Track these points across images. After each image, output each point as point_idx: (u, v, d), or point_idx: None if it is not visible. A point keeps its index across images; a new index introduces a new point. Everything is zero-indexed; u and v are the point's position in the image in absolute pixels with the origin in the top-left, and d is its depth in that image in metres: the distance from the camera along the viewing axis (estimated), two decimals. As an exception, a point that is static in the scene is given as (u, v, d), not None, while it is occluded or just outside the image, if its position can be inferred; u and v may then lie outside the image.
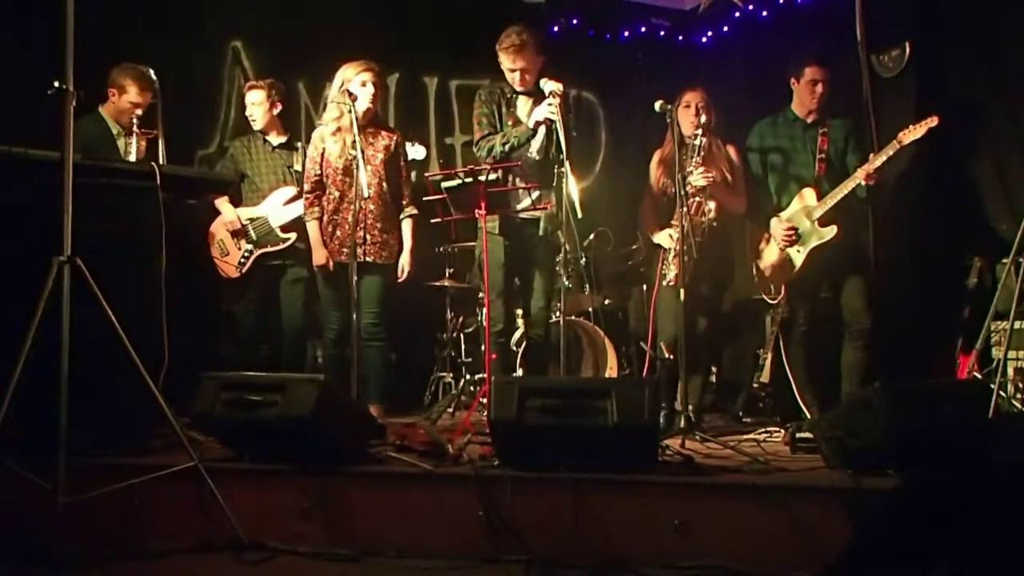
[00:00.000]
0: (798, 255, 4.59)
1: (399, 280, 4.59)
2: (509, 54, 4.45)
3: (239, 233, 4.92)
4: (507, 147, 4.39)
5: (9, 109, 4.33)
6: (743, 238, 5.23)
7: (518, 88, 4.52)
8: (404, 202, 4.68)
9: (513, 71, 4.47)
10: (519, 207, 4.44)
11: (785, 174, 4.69)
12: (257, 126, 5.07)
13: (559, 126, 4.20)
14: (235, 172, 4.95)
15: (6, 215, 3.49)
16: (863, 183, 4.40)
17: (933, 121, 4.26)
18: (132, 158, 4.59)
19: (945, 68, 5.31)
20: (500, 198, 4.37)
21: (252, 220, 4.95)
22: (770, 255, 4.70)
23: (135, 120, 4.57)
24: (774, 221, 4.63)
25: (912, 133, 4.29)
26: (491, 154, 4.42)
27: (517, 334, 5.43)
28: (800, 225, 4.57)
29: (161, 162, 4.51)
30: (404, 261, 4.60)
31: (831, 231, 4.50)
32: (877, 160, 4.36)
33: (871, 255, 4.72)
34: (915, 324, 5.07)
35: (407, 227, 4.66)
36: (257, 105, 5.04)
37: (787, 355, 4.93)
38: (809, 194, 4.56)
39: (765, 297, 4.89)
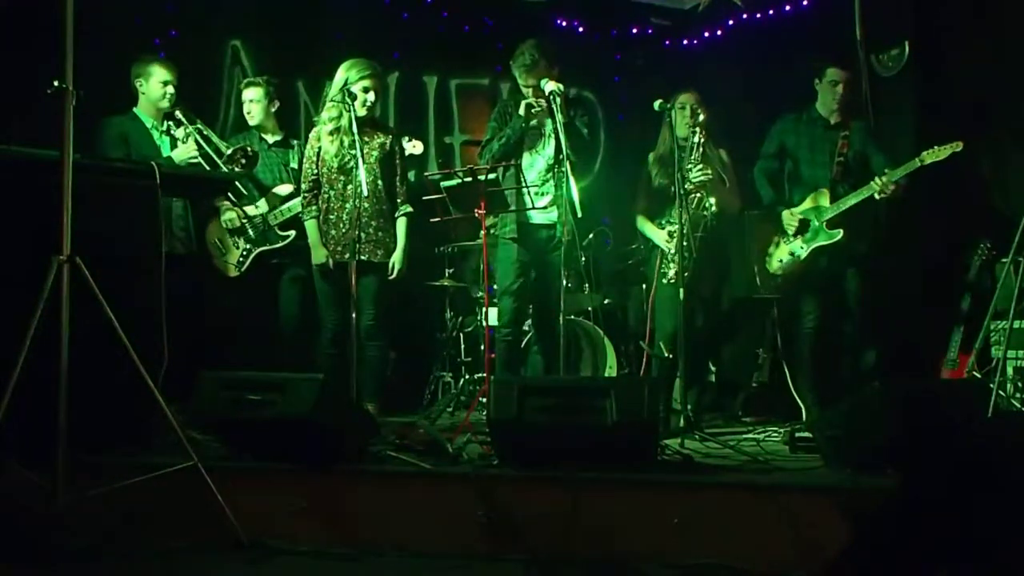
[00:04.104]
0: (801, 250, 4.63)
1: (390, 277, 4.60)
2: (522, 72, 4.50)
3: (237, 231, 4.92)
4: (503, 141, 4.45)
5: (15, 108, 4.33)
6: (741, 238, 5.25)
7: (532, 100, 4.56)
8: (399, 200, 4.69)
9: (527, 87, 4.53)
10: (524, 207, 4.47)
11: (800, 173, 4.74)
12: (254, 122, 5.07)
13: (560, 125, 4.22)
14: (246, 150, 4.90)
15: (6, 215, 3.49)
16: (876, 196, 4.43)
17: (958, 146, 4.25)
18: (179, 151, 4.66)
19: (945, 67, 5.31)
20: (499, 198, 4.39)
21: (250, 218, 4.95)
22: (779, 254, 4.72)
23: (171, 99, 4.69)
24: (785, 213, 4.69)
25: (934, 155, 4.30)
26: (491, 154, 4.47)
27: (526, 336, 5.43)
28: (810, 224, 4.63)
29: (217, 143, 4.68)
30: (396, 259, 4.60)
31: (837, 234, 4.55)
32: (893, 176, 4.38)
33: (872, 253, 4.72)
34: (915, 324, 5.08)
35: (401, 225, 4.67)
36: (256, 102, 5.05)
37: (789, 353, 4.94)
38: (823, 196, 4.61)
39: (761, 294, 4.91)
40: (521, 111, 4.39)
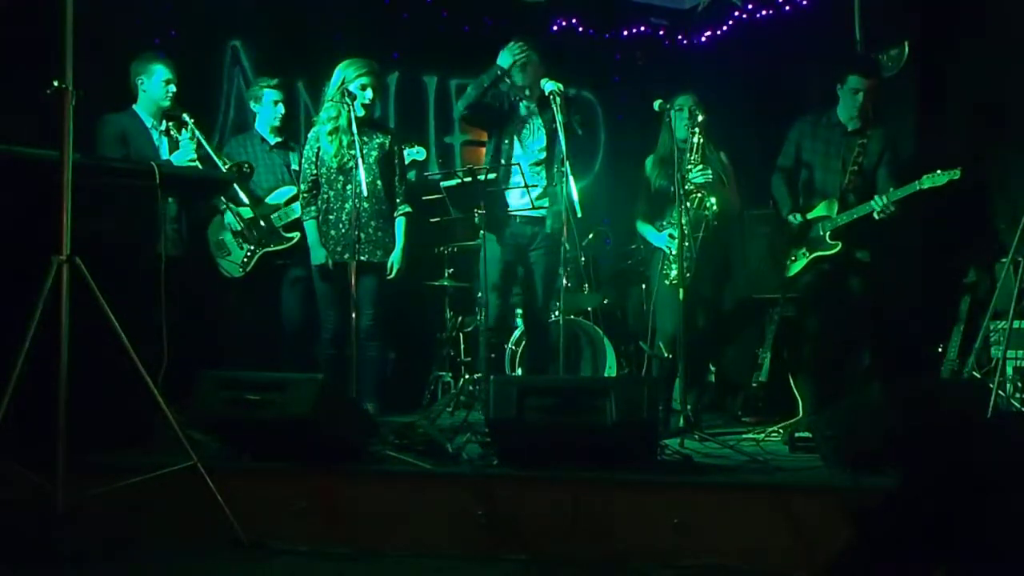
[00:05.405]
0: (804, 258, 4.66)
1: (388, 277, 4.60)
2: (517, 71, 4.54)
3: (240, 233, 4.91)
4: (476, 88, 4.49)
5: (15, 108, 4.33)
6: (742, 238, 5.25)
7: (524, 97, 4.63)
8: (398, 200, 4.69)
9: (523, 87, 4.58)
10: (515, 206, 4.48)
11: (812, 178, 4.74)
12: (277, 123, 5.06)
13: (560, 125, 4.24)
14: (242, 167, 4.90)
15: (6, 215, 3.49)
16: (876, 216, 4.45)
17: (955, 174, 4.29)
18: (179, 153, 4.63)
19: (945, 67, 5.32)
20: (498, 197, 4.39)
21: (254, 220, 4.93)
22: (793, 261, 4.75)
23: (172, 98, 4.66)
24: (793, 215, 4.69)
25: (933, 180, 4.33)
26: (466, 100, 4.54)
27: (516, 333, 5.45)
28: (813, 231, 4.65)
29: (208, 149, 4.66)
30: (395, 258, 4.60)
31: (836, 246, 4.57)
32: (893, 197, 4.41)
33: (873, 261, 4.73)
34: (914, 324, 5.08)
35: (400, 225, 4.67)
36: (279, 104, 5.05)
37: (791, 352, 4.95)
38: (832, 205, 4.63)
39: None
40: (500, 61, 4.44)
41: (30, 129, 3.43)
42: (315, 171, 4.60)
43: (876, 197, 4.46)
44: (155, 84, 4.68)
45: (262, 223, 4.91)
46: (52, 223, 2.90)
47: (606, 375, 5.48)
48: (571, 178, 4.28)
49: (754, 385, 5.15)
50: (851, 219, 4.52)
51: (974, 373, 4.47)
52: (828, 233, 4.58)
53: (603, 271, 6.26)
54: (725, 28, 6.66)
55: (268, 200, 4.96)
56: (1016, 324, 4.23)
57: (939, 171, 4.32)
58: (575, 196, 4.28)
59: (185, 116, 4.64)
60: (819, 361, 4.74)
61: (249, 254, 4.90)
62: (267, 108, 5.05)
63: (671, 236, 4.54)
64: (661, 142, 4.71)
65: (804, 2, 6.14)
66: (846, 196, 4.60)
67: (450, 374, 5.85)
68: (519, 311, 5.24)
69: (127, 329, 3.01)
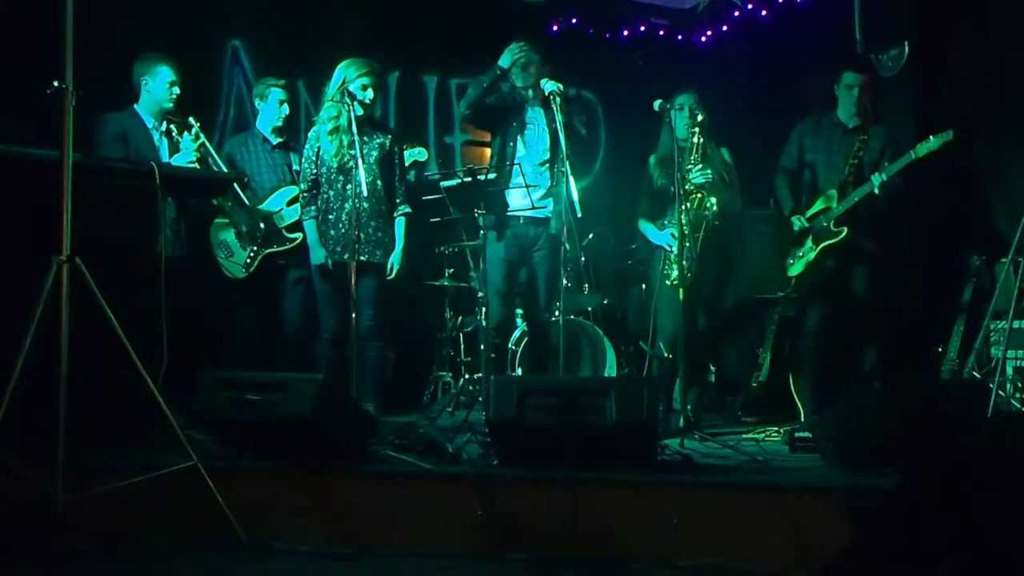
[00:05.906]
0: (811, 252, 4.66)
1: (388, 277, 4.60)
2: (517, 72, 4.55)
3: (245, 234, 4.90)
4: (476, 88, 4.51)
5: (15, 108, 4.33)
6: (743, 238, 5.24)
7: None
8: (398, 200, 4.69)
9: (524, 88, 4.60)
10: (516, 206, 4.48)
11: (815, 177, 4.76)
12: (280, 124, 5.06)
13: (560, 125, 4.24)
14: (237, 172, 4.92)
15: (6, 215, 3.49)
16: (876, 192, 4.46)
17: (948, 135, 4.29)
18: (180, 155, 4.61)
19: (945, 67, 5.32)
20: (499, 197, 4.39)
21: (258, 220, 4.93)
22: (796, 259, 4.76)
23: (175, 100, 4.66)
24: (795, 218, 4.70)
25: (927, 146, 4.33)
26: (467, 101, 4.55)
27: (516, 333, 5.45)
28: (816, 223, 4.65)
29: (211, 151, 4.68)
30: (395, 258, 4.61)
31: (842, 232, 4.57)
32: (890, 170, 4.42)
33: (877, 251, 4.73)
34: (915, 323, 5.08)
35: (400, 225, 4.67)
36: (284, 104, 5.05)
37: (792, 352, 4.95)
38: (833, 196, 4.64)
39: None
40: (500, 61, 4.45)
41: (30, 129, 3.43)
42: (315, 171, 4.60)
43: (875, 175, 4.46)
44: (159, 85, 4.67)
45: (264, 224, 4.90)
46: (52, 223, 2.90)
47: (606, 375, 5.49)
48: (571, 178, 4.28)
49: (754, 385, 5.16)
50: (852, 204, 4.53)
51: (974, 373, 4.47)
52: (832, 222, 4.59)
53: (603, 271, 6.26)
54: (725, 28, 6.66)
55: (270, 199, 4.96)
56: (1016, 324, 4.23)
57: (931, 137, 4.32)
58: (575, 196, 4.28)
59: (191, 120, 4.64)
60: (819, 361, 4.74)
61: (252, 255, 4.90)
62: (272, 107, 5.04)
63: (672, 236, 4.54)
64: (662, 142, 4.71)
65: (804, 2, 6.14)
66: (845, 189, 4.61)
67: (450, 374, 5.85)
68: (519, 311, 5.24)
69: (127, 329, 3.01)
